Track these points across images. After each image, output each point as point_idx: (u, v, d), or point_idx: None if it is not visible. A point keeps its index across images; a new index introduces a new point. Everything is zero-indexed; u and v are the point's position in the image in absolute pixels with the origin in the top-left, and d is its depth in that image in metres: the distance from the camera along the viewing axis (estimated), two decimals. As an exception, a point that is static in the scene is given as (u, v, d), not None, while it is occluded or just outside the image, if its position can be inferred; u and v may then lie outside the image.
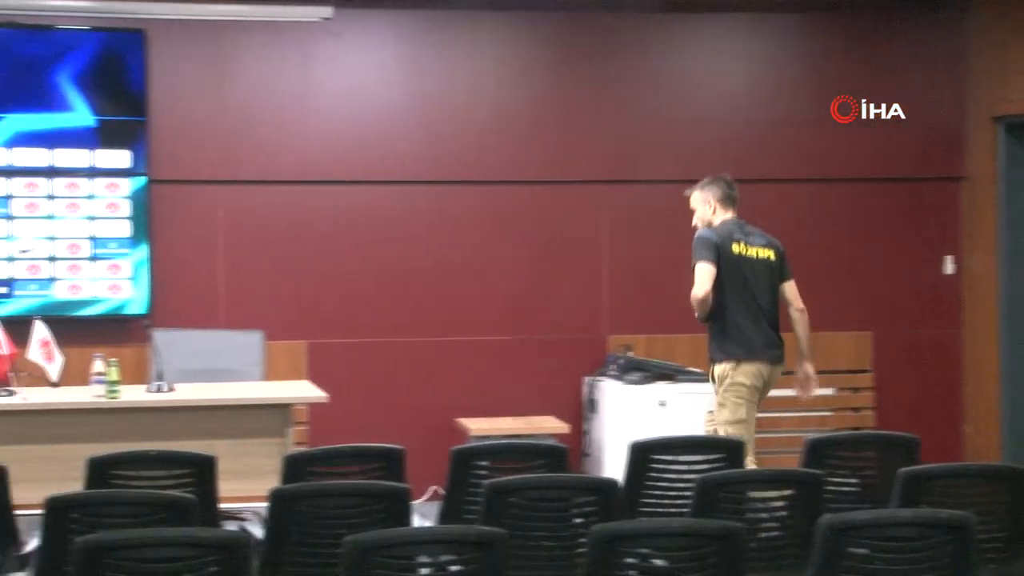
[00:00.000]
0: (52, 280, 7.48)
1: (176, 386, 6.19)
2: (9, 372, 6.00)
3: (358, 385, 7.70)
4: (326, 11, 7.74)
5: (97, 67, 7.48)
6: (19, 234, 7.45)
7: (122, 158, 7.52)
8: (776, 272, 6.36)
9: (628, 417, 7.43)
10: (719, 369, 6.22)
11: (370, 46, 7.96)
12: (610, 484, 4.59)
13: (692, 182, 6.48)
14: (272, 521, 4.32)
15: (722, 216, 6.36)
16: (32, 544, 4.57)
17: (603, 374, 7.86)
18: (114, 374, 5.93)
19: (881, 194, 8.37)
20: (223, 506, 5.00)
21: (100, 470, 4.70)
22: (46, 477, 5.27)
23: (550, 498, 4.46)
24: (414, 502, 4.48)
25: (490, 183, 8.00)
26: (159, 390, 6.12)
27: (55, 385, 6.16)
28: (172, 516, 4.11)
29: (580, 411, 7.94)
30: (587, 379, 7.95)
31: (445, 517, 4.94)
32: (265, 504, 4.38)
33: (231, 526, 5.41)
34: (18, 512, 4.76)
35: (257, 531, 4.85)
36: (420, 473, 5.33)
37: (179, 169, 7.64)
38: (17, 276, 7.44)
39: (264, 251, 7.81)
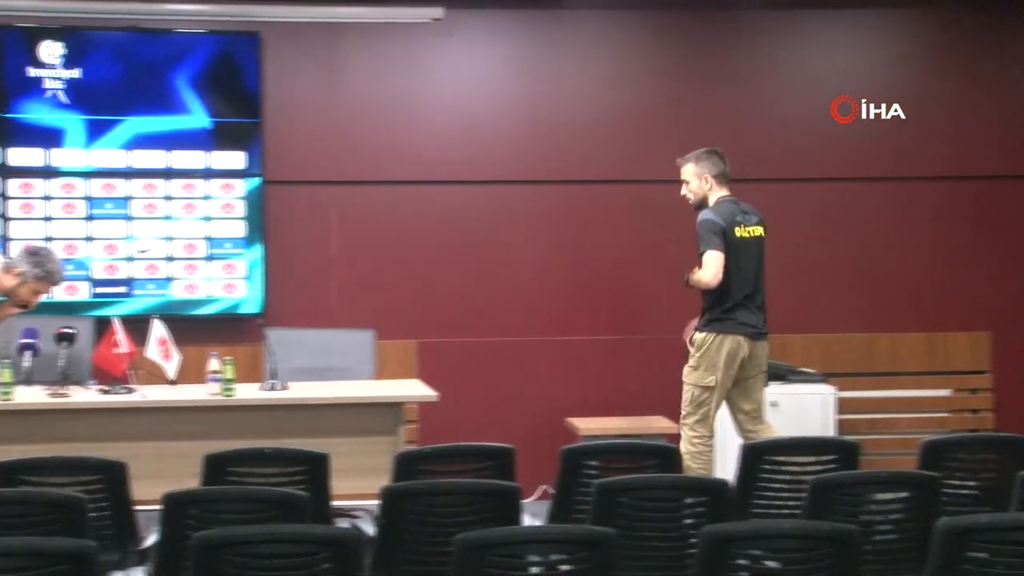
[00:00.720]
0: (169, 280, 7.62)
1: (289, 384, 6.25)
2: (128, 370, 6.11)
3: (468, 384, 7.72)
4: (437, 12, 7.78)
5: (213, 70, 7.59)
6: (138, 234, 7.60)
7: (237, 159, 7.64)
8: (763, 247, 6.56)
9: (740, 417, 7.36)
10: (700, 337, 6.42)
11: (481, 46, 7.98)
12: (721, 485, 4.56)
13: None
14: (384, 519, 4.34)
15: (718, 193, 6.52)
16: (151, 539, 4.65)
17: (714, 374, 7.79)
18: (229, 372, 6.01)
19: (999, 191, 8.19)
20: (335, 503, 5.04)
21: (216, 467, 4.77)
22: (164, 473, 5.36)
23: (660, 498, 4.44)
24: (524, 501, 4.48)
25: (600, 182, 7.98)
26: (273, 388, 6.18)
27: (172, 383, 6.24)
28: (286, 513, 4.16)
29: (691, 411, 7.88)
30: (698, 379, 7.89)
31: (555, 516, 4.94)
32: (377, 502, 4.41)
33: (343, 523, 5.45)
34: (137, 508, 4.83)
35: (369, 528, 4.89)
36: (530, 472, 5.33)
37: (293, 170, 7.73)
38: (136, 276, 7.59)
39: (375, 251, 7.87)
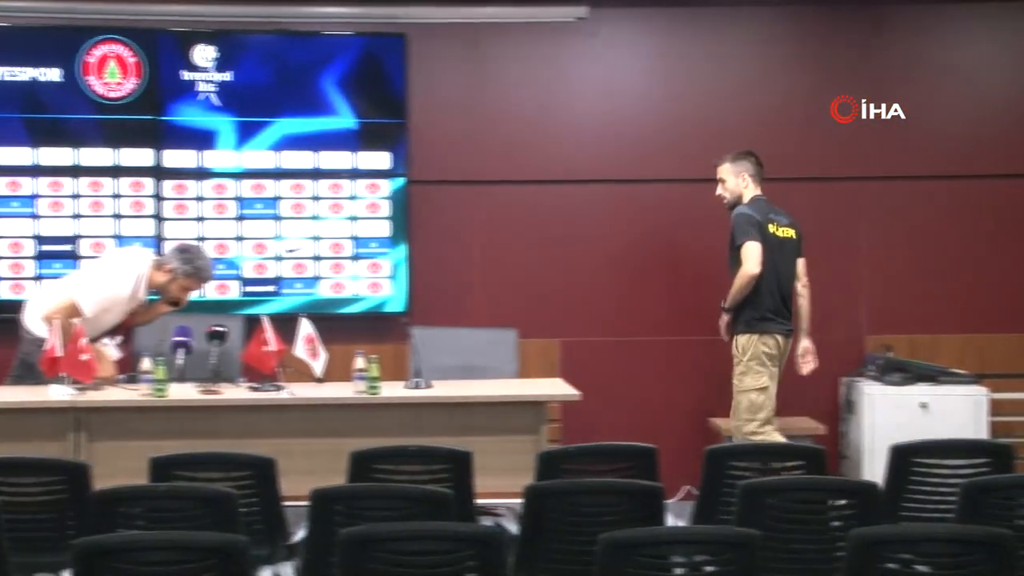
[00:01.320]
0: (316, 279, 7.74)
1: (433, 383, 6.30)
2: (277, 368, 6.21)
3: (610, 383, 7.71)
4: (581, 11, 7.78)
5: (359, 71, 7.69)
6: (286, 234, 7.74)
7: (382, 159, 7.72)
8: (796, 251, 6.76)
9: (888, 419, 7.25)
10: (743, 340, 6.67)
11: (625, 45, 7.95)
12: (869, 487, 4.49)
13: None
14: (527, 517, 4.36)
15: (753, 192, 6.78)
16: (299, 535, 4.72)
17: (861, 374, 7.67)
18: (374, 371, 6.07)
19: None
20: (479, 501, 5.07)
21: (362, 464, 4.83)
22: (311, 470, 5.43)
23: (807, 500, 4.39)
24: (667, 501, 4.46)
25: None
26: (417, 387, 6.23)
27: (319, 381, 6.32)
28: (430, 510, 4.20)
29: (837, 412, 7.77)
30: (844, 379, 7.77)
31: (699, 517, 4.91)
32: (520, 500, 4.42)
33: (487, 521, 5.48)
34: (286, 503, 4.92)
35: (512, 527, 4.91)
36: (673, 472, 5.30)
37: (437, 170, 7.79)
38: (284, 275, 7.73)
39: (518, 250, 7.90)
